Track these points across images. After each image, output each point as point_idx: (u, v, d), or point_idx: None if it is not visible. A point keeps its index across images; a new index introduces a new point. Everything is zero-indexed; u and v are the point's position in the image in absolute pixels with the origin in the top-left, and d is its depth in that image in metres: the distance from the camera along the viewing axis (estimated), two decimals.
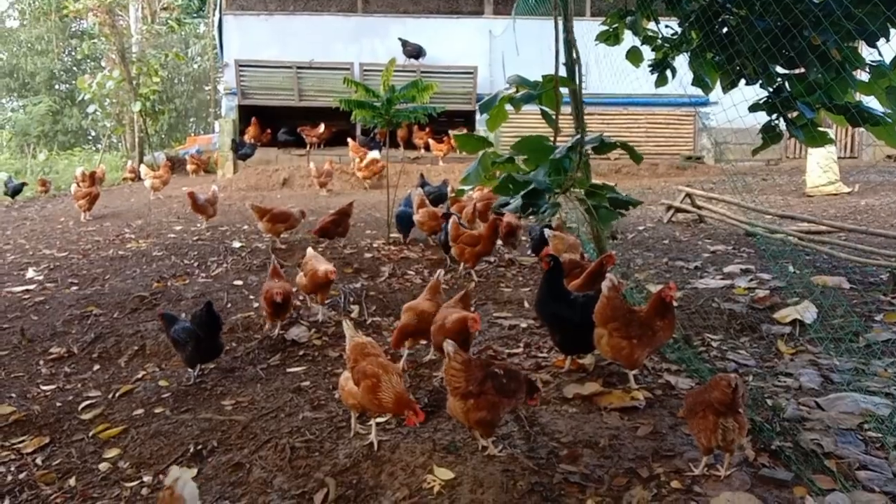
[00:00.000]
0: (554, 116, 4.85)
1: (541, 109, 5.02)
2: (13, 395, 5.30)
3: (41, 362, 5.86)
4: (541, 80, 4.70)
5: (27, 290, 7.86)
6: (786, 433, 3.80)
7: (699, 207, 10.45)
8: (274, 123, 18.49)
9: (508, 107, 4.87)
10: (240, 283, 7.41)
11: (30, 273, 8.66)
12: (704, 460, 3.47)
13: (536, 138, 4.28)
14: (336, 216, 8.78)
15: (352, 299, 6.82)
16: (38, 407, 5.07)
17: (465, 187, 5.27)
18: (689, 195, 10.59)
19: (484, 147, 4.49)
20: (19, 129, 31.08)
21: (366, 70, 17.55)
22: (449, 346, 3.77)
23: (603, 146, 4.09)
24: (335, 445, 4.06)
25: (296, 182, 16.26)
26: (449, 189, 10.87)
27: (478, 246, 7.21)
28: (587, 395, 4.36)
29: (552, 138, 4.63)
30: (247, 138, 17.64)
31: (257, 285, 7.29)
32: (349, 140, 16.75)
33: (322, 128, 17.69)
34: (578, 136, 3.92)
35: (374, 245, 9.21)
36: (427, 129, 16.80)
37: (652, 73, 6.20)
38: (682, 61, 6.20)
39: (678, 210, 10.58)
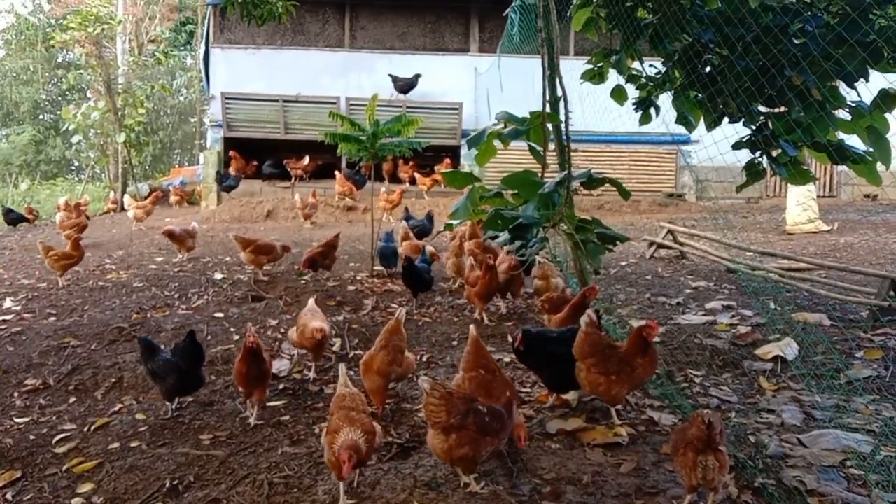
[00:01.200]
0: (542, 152, 4.91)
1: (528, 145, 5.07)
2: None
3: (15, 394, 5.74)
4: (528, 116, 4.75)
5: (3, 321, 7.73)
6: (769, 470, 3.79)
7: (681, 244, 10.54)
8: (259, 156, 18.52)
9: (496, 142, 4.93)
10: (220, 315, 7.33)
11: (7, 303, 8.53)
12: (688, 499, 3.44)
13: (525, 174, 4.32)
14: (324, 248, 8.76)
15: (334, 332, 6.75)
16: (11, 440, 4.95)
17: (454, 221, 5.28)
18: (671, 231, 10.69)
19: (471, 182, 4.52)
20: (1, 159, 30.91)
21: (352, 104, 17.69)
22: (425, 382, 3.73)
23: (591, 181, 4.14)
24: (314, 481, 3.98)
25: (280, 214, 16.25)
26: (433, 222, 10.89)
27: (475, 287, 6.91)
28: (570, 430, 4.33)
29: (540, 173, 4.68)
30: (231, 170, 17.65)
31: (238, 317, 7.23)
32: (336, 173, 16.80)
33: (307, 160, 17.75)
34: (566, 171, 3.96)
35: (358, 278, 9.17)
36: (411, 163, 16.91)
37: (636, 112, 6.30)
38: (665, 99, 6.31)
39: (660, 246, 10.67)
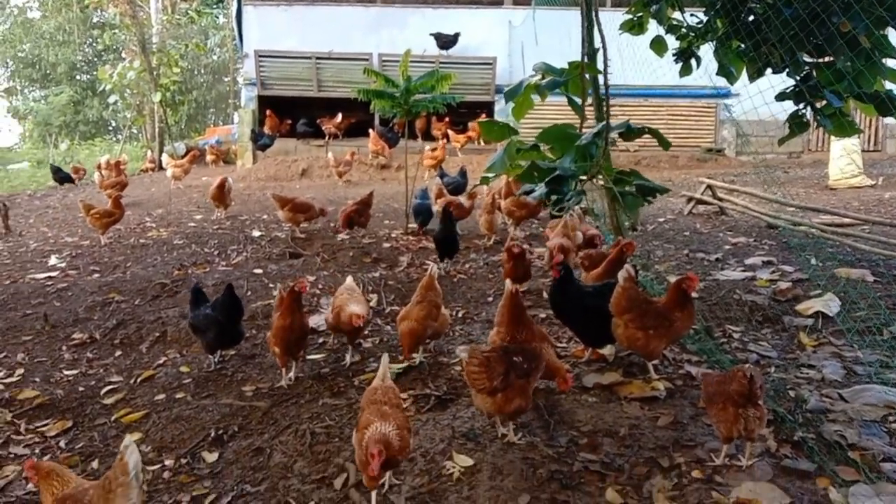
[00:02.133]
0: (580, 104, 4.82)
1: (566, 96, 4.98)
2: (37, 379, 5.38)
3: (64, 348, 5.93)
4: (566, 67, 4.65)
5: (50, 277, 7.96)
6: (808, 424, 3.76)
7: (720, 199, 10.35)
8: (293, 114, 18.54)
9: (533, 96, 4.83)
10: (259, 271, 7.44)
11: (52, 260, 8.77)
12: (725, 449, 3.45)
13: (561, 126, 4.24)
14: (358, 206, 8.80)
15: (371, 288, 6.83)
16: (62, 391, 5.14)
17: (490, 175, 5.24)
18: (710, 187, 10.50)
19: (508, 135, 4.45)
20: (41, 120, 31.41)
21: (385, 60, 17.53)
22: (463, 352, 3.76)
23: (630, 132, 4.04)
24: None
25: (314, 172, 16.31)
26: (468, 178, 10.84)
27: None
28: (607, 384, 4.34)
29: (578, 127, 4.60)
30: (265, 129, 17.72)
31: (276, 274, 7.33)
32: (370, 131, 16.75)
33: (340, 118, 17.72)
34: (604, 122, 3.88)
35: (393, 235, 9.21)
36: (445, 120, 16.77)
37: (676, 63, 6.11)
38: (707, 50, 6.11)
39: (699, 202, 10.49)
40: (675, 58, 6.18)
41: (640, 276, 5.17)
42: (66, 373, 5.47)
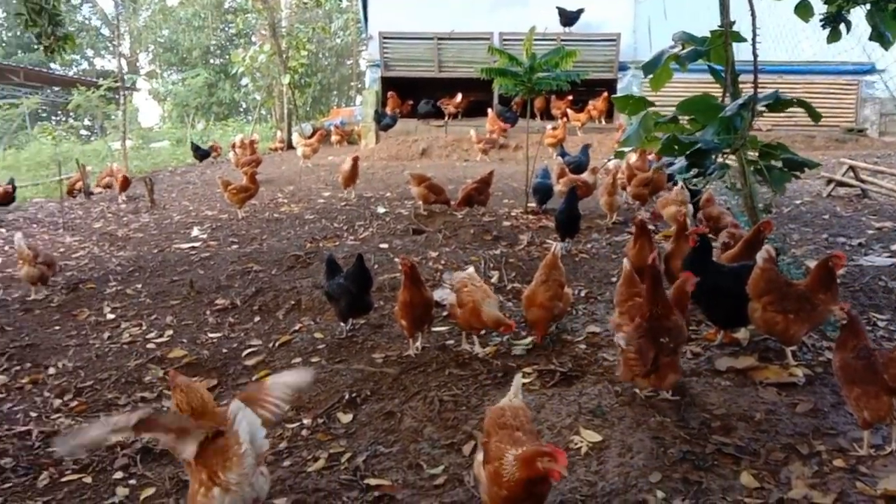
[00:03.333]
0: (723, 74, 4.64)
1: (708, 66, 4.79)
2: (184, 340, 5.82)
3: (208, 312, 6.37)
4: (708, 36, 4.46)
5: (193, 247, 8.55)
6: None
7: (863, 181, 9.67)
8: (413, 95, 18.84)
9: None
10: (385, 246, 7.68)
11: (195, 232, 9.40)
12: (867, 437, 3.28)
13: (703, 97, 4.07)
14: (478, 184, 8.88)
15: (492, 265, 6.89)
16: (207, 352, 5.54)
17: (625, 149, 5.13)
18: (852, 168, 9.83)
19: (644, 108, 4.34)
20: (179, 101, 33.45)
21: (505, 39, 17.42)
22: (621, 339, 3.80)
23: (778, 103, 3.82)
24: (481, 401, 4.16)
25: (434, 152, 16.55)
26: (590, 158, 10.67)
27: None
28: (741, 368, 4.21)
29: (720, 97, 4.41)
30: (387, 110, 18.13)
31: (401, 249, 7.54)
32: (488, 110, 16.77)
33: (459, 97, 17.85)
34: (750, 94, 3.70)
35: (513, 213, 9.24)
36: (567, 99, 16.53)
37: (823, 28, 5.66)
38: (858, 14, 5.63)
39: (839, 184, 9.85)
40: (822, 23, 5.73)
41: (777, 260, 4.93)
42: (211, 335, 5.88)
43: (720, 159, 3.86)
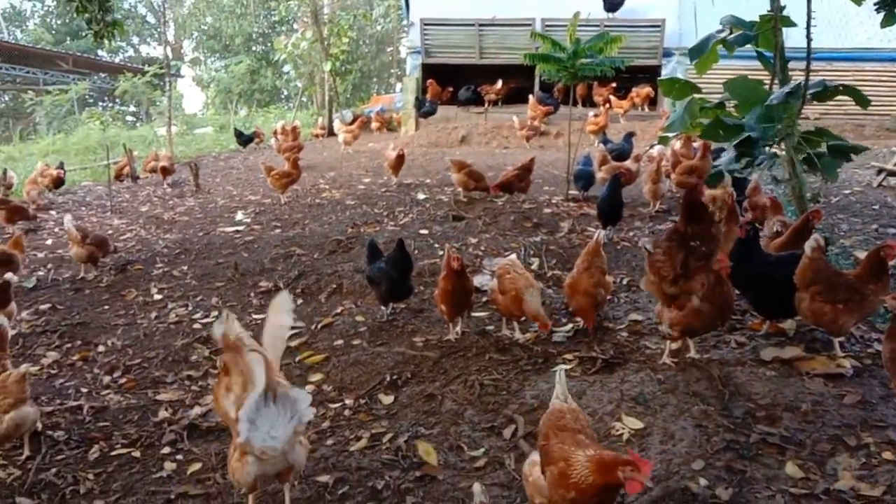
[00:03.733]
0: (772, 60, 4.54)
1: (756, 52, 4.70)
2: None
3: (252, 294, 6.49)
4: (757, 20, 4.35)
5: (237, 231, 8.69)
6: None
7: None
8: (453, 82, 18.80)
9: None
10: (425, 231, 7.71)
11: (239, 216, 9.55)
12: None
13: (750, 81, 3.98)
14: (519, 171, 8.84)
15: (532, 252, 6.88)
16: (251, 333, 5.62)
17: (669, 135, 5.05)
18: None
19: (690, 93, 4.26)
20: (222, 88, 33.89)
21: (548, 25, 17.26)
22: (646, 243, 3.78)
23: (825, 91, 3.71)
24: (521, 387, 4.17)
25: (473, 139, 16.50)
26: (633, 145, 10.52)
27: None
28: (787, 358, 4.13)
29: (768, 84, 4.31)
30: (428, 97, 18.12)
31: (441, 235, 7.56)
32: (529, 97, 16.63)
33: (500, 84, 17.75)
34: (799, 81, 3.61)
35: (553, 201, 9.18)
36: (610, 85, 16.31)
37: (877, 11, 5.47)
38: None
39: (891, 174, 9.56)
40: (875, 6, 5.54)
41: (826, 251, 4.81)
42: (255, 316, 5.99)
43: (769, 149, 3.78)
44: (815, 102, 4.55)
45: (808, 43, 3.65)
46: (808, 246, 4.13)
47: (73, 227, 7.18)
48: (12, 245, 6.95)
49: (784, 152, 4.00)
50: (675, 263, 3.60)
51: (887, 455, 3.19)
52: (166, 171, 12.89)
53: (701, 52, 4.16)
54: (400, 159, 10.64)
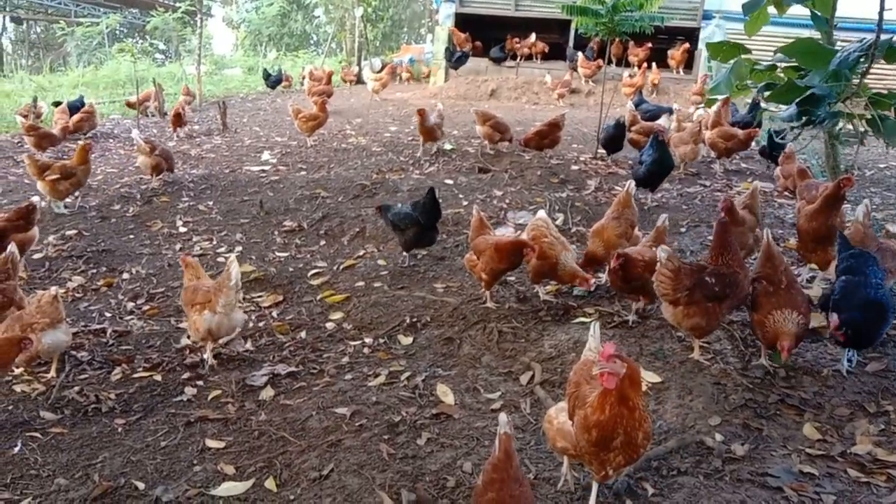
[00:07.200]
0: (828, 20, 4.39)
1: (811, 12, 4.54)
2: (253, 257, 5.99)
3: (276, 232, 6.53)
4: None
5: (263, 170, 8.70)
6: None
7: None
8: (486, 34, 18.44)
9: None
10: (450, 182, 7.66)
11: (265, 156, 9.55)
12: None
13: (810, 40, 3.82)
14: (548, 126, 8.70)
15: (557, 207, 6.82)
16: (274, 269, 5.69)
17: (716, 97, 4.91)
18: None
19: (738, 54, 4.12)
20: (253, 29, 33.60)
21: None
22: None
23: (892, 52, 3.56)
24: (540, 336, 4.18)
25: (503, 94, 16.28)
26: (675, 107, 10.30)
27: None
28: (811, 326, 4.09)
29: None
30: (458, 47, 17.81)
31: (466, 186, 7.51)
32: (579, 53, 16.15)
33: (533, 38, 17.38)
34: (871, 37, 3.46)
35: (581, 158, 9.07)
36: (646, 45, 15.91)
37: None
38: None
39: None
40: None
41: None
42: (278, 254, 6.04)
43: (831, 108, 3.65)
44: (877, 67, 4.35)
45: (882, 2, 3.49)
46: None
47: (142, 139, 7.92)
48: (78, 157, 7.15)
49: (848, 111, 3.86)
50: (679, 288, 3.55)
51: None
52: (178, 120, 11.20)
53: (754, 8, 4.00)
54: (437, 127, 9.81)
